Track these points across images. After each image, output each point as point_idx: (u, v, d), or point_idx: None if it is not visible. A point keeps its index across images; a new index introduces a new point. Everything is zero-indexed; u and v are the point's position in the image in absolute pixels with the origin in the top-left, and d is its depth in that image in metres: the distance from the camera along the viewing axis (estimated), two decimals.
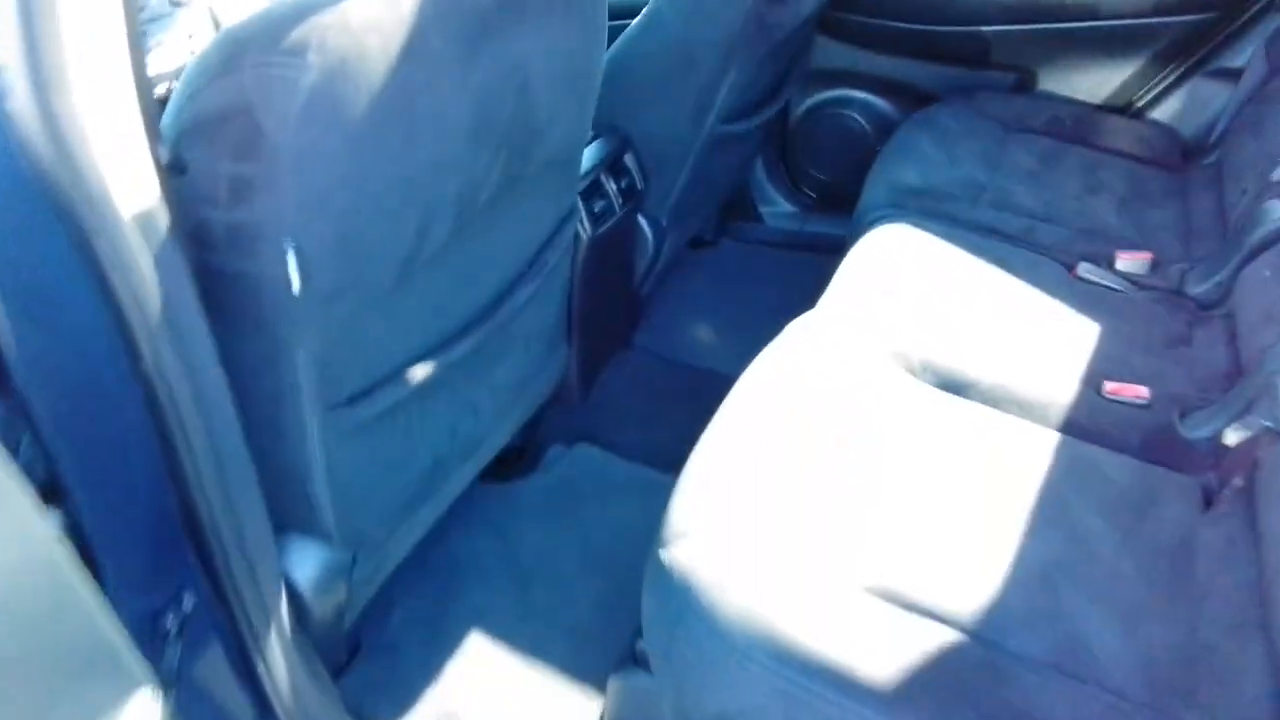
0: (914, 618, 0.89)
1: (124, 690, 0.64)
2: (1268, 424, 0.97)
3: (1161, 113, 1.91)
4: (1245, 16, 1.79)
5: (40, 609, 0.56)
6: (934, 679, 0.83)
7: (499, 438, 1.41)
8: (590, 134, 1.57)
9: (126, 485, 0.76)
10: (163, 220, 0.67)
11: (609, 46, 1.51)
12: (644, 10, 1.56)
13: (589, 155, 1.55)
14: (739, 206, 2.29)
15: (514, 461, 1.64)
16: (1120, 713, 0.83)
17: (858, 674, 0.82)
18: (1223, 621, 0.90)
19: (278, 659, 1.02)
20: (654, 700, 1.02)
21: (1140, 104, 1.93)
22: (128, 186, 0.64)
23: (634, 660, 1.10)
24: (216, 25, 1.27)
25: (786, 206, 2.27)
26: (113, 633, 0.62)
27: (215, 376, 0.78)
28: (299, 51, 0.71)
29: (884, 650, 0.84)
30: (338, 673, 1.28)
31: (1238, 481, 1.00)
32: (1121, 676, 0.86)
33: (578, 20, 1.05)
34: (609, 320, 1.78)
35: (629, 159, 1.62)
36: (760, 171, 2.25)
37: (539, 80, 1.01)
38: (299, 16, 0.71)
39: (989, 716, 0.80)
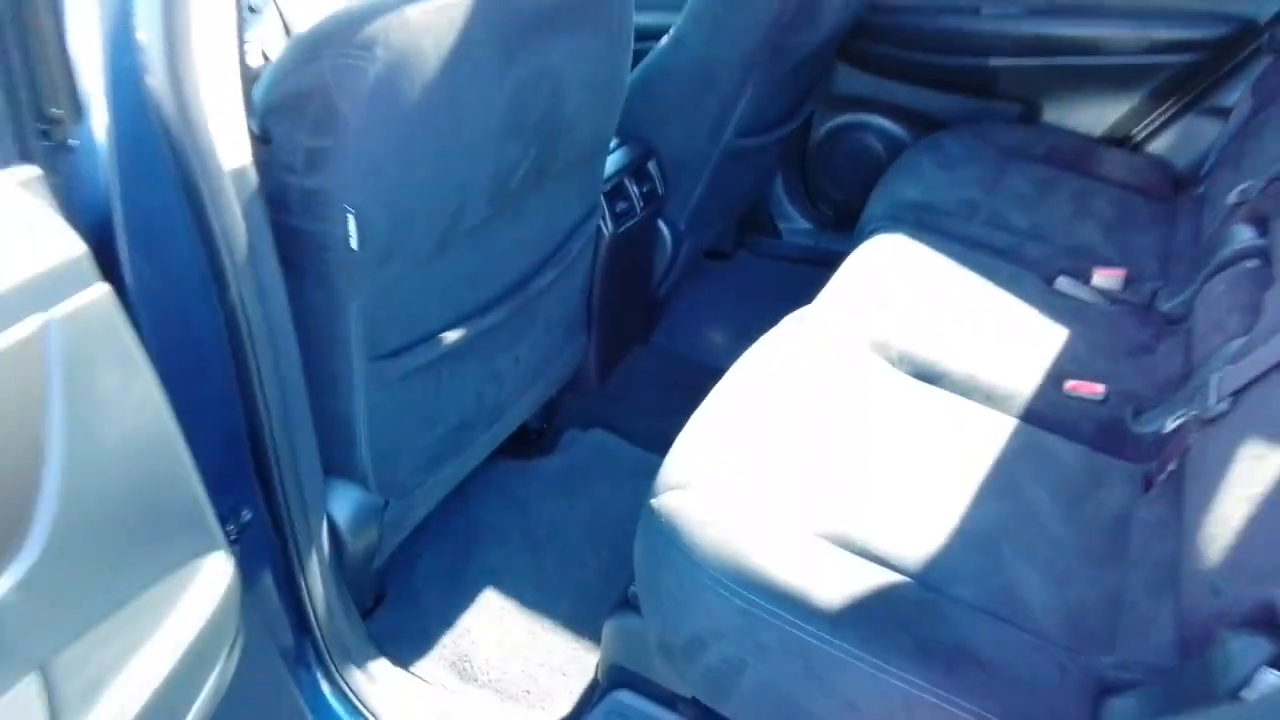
0: (865, 562, 1.01)
1: (206, 547, 0.78)
2: (1194, 412, 1.09)
3: (1157, 146, 2.03)
4: (1237, 59, 1.91)
5: (152, 467, 0.71)
6: (876, 610, 0.95)
7: (519, 411, 1.55)
8: (617, 141, 1.72)
9: (205, 401, 0.92)
10: (251, 178, 0.83)
11: (637, 65, 1.67)
12: (669, 32, 1.71)
13: (615, 160, 1.69)
14: (758, 222, 2.42)
15: (533, 442, 1.78)
16: (1041, 651, 0.94)
17: (809, 600, 0.94)
18: (1144, 585, 1.02)
19: (317, 582, 1.16)
20: (642, 636, 1.14)
21: (1139, 138, 2.05)
22: (226, 147, 0.80)
23: (627, 605, 1.23)
24: (287, 30, 1.44)
25: (803, 223, 2.40)
26: (203, 499, 0.77)
27: (284, 318, 0.93)
28: (369, 45, 0.87)
29: (835, 584, 0.97)
30: (364, 615, 1.42)
31: (1171, 466, 1.11)
32: (1047, 623, 0.98)
33: (605, 33, 1.20)
34: (627, 315, 1.91)
35: (652, 166, 1.76)
36: (780, 189, 2.38)
37: (568, 84, 1.16)
38: (369, 17, 0.87)
39: (922, 643, 0.92)
